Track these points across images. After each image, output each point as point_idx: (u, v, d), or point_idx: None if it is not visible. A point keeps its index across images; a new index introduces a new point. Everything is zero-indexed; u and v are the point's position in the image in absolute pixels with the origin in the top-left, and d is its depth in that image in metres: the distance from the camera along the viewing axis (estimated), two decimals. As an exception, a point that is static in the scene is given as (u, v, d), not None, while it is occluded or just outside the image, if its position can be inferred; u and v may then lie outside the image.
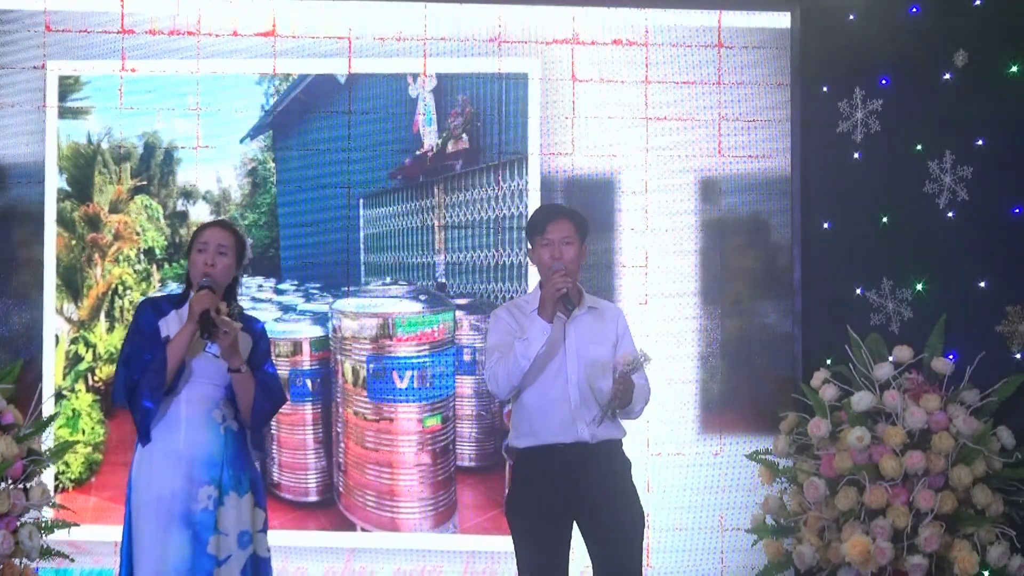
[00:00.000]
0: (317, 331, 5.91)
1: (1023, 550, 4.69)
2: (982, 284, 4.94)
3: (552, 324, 3.98)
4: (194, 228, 4.58)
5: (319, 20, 5.92)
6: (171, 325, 3.95)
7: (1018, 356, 4.80)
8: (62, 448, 5.31)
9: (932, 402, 4.84)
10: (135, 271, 5.96)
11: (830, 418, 5.06)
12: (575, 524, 4.10)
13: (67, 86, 5.95)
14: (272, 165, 6.00)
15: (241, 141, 6.00)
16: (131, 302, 5.89)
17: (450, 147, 5.93)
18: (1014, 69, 4.83)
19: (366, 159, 5.96)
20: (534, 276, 5.77)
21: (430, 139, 5.96)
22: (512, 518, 4.12)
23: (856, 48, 5.53)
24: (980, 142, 4.96)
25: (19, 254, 5.87)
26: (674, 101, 5.91)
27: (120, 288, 5.93)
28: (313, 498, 5.88)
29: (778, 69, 5.91)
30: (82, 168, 5.97)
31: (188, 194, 6.01)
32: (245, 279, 5.85)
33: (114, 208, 5.97)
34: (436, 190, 5.96)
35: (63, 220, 5.91)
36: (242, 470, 3.97)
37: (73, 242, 5.91)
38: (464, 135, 5.93)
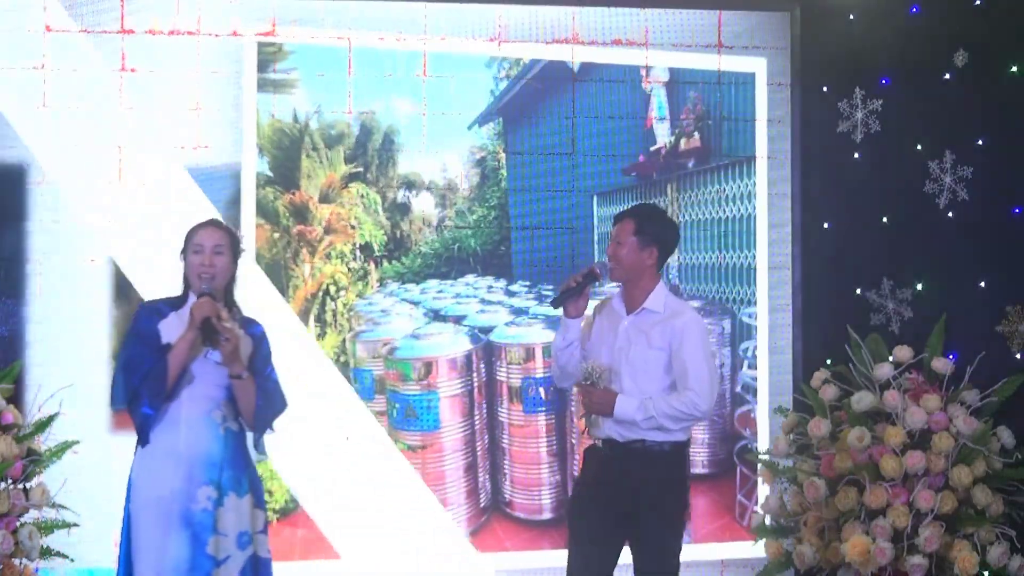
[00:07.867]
0: (551, 336, 5.29)
1: (1023, 550, 4.69)
2: (982, 284, 4.94)
3: (573, 319, 4.05)
4: (421, 220, 4.30)
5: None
6: (171, 328, 3.94)
7: (1018, 356, 4.79)
8: (62, 448, 5.28)
9: (932, 402, 4.84)
10: (349, 269, 5.39)
11: (830, 418, 5.06)
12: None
13: (268, 55, 5.30)
14: (502, 156, 5.59)
15: (469, 127, 5.57)
16: (345, 304, 5.36)
17: (683, 145, 5.79)
18: (1014, 69, 4.83)
19: (597, 153, 5.67)
20: (762, 278, 5.78)
21: (663, 136, 5.78)
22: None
23: (856, 48, 5.53)
24: (980, 142, 4.96)
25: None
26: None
27: (332, 288, 5.35)
28: (547, 516, 5.57)
29: (778, 69, 5.91)
30: (287, 150, 5.33)
31: (410, 183, 5.47)
32: (474, 279, 5.57)
33: (325, 197, 5.37)
34: (669, 188, 5.74)
35: (264, 210, 5.28)
36: (242, 471, 3.96)
37: (276, 235, 5.30)
38: (696, 133, 5.78)
